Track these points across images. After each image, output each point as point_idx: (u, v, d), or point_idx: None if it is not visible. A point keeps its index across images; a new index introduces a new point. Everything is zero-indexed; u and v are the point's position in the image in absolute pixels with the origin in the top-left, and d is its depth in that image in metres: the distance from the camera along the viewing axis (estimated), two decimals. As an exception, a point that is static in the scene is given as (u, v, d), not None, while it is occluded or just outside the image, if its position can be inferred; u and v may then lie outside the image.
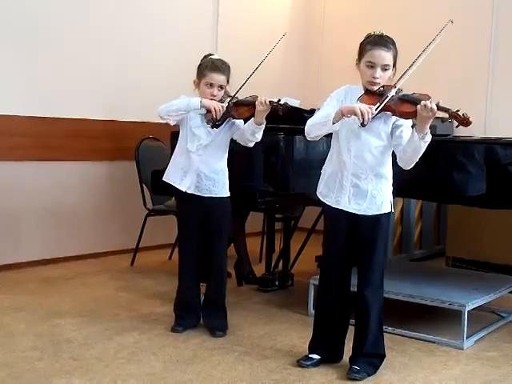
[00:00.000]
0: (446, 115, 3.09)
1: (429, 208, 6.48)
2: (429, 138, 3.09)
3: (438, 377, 3.41)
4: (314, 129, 3.26)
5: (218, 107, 3.72)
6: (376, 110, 3.10)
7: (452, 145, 4.14)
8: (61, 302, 4.46)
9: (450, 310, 4.00)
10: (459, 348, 3.83)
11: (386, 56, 3.20)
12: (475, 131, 5.98)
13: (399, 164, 3.25)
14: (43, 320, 4.06)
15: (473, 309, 3.96)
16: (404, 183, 3.85)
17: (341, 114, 3.14)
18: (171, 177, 3.92)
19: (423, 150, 3.11)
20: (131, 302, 4.52)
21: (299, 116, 4.22)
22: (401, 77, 3.20)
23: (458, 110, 3.01)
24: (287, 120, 3.87)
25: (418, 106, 3.03)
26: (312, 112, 3.50)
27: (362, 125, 3.11)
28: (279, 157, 4.21)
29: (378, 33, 3.26)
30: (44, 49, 5.42)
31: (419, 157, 3.15)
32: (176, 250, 4.38)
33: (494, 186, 3.83)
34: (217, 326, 3.92)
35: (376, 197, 3.28)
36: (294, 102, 4.88)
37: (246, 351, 3.66)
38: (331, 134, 3.34)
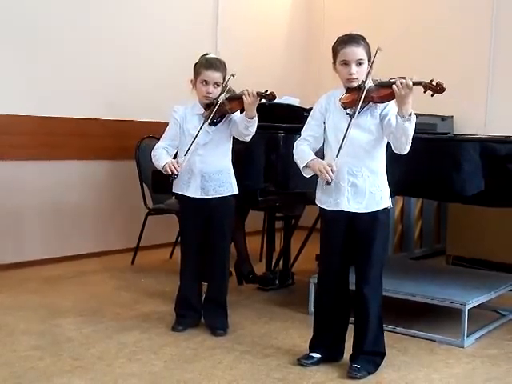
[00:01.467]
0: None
1: (429, 206, 6.48)
2: (414, 117, 3.12)
3: (439, 375, 3.41)
4: (295, 158, 3.40)
5: (174, 166, 3.72)
6: (360, 107, 3.17)
7: (450, 143, 4.14)
8: (62, 301, 4.47)
9: (451, 309, 4.00)
10: (460, 346, 3.83)
11: (357, 51, 3.26)
12: (476, 129, 6.00)
13: (395, 151, 3.26)
14: (44, 319, 4.06)
15: (473, 307, 3.95)
16: (404, 182, 3.86)
17: (310, 169, 3.29)
18: (177, 186, 3.91)
19: (412, 130, 3.13)
20: (132, 301, 4.53)
21: (299, 115, 4.23)
22: (373, 58, 3.24)
23: (431, 80, 3.04)
24: (287, 119, 3.87)
25: (394, 86, 3.08)
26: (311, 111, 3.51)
27: (351, 115, 3.18)
28: (280, 155, 4.21)
29: (346, 33, 3.33)
30: (44, 48, 5.43)
31: (410, 138, 3.16)
32: (176, 248, 4.39)
33: (492, 184, 3.83)
34: (217, 324, 3.92)
35: (374, 193, 3.29)
36: (294, 101, 4.88)
37: (247, 350, 3.66)
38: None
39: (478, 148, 3.86)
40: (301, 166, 3.34)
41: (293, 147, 3.42)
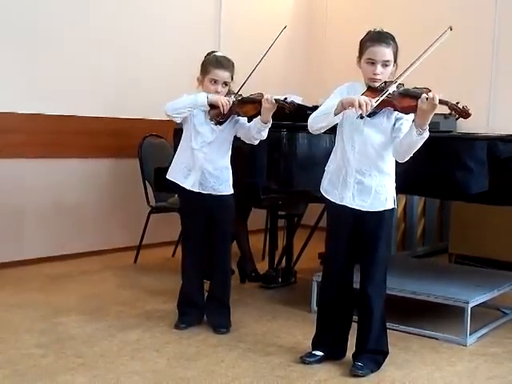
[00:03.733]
0: (446, 109, 3.08)
1: (432, 205, 6.48)
2: (427, 134, 3.08)
3: (442, 373, 3.41)
4: (316, 121, 3.27)
5: (225, 102, 3.71)
6: (376, 102, 3.10)
7: (454, 141, 4.14)
8: (64, 299, 4.47)
9: (453, 307, 4.01)
10: (462, 344, 3.83)
11: (385, 52, 3.20)
12: (478, 128, 5.98)
13: (393, 156, 3.26)
14: (47, 317, 4.06)
15: (476, 305, 3.96)
16: (407, 180, 3.85)
17: (341, 106, 3.15)
18: (175, 175, 3.91)
19: (419, 146, 3.11)
20: (134, 299, 4.53)
21: (302, 113, 4.22)
22: (402, 73, 3.19)
23: (457, 103, 3.02)
24: (290, 117, 3.87)
25: (419, 100, 3.02)
26: (315, 109, 3.50)
27: (361, 116, 3.12)
28: (282, 153, 4.21)
29: (377, 29, 3.27)
30: (45, 47, 5.42)
31: (413, 152, 3.14)
32: (179, 247, 4.39)
33: (496, 182, 3.83)
34: (220, 322, 3.93)
35: (380, 193, 3.29)
36: (297, 99, 4.87)
37: (250, 348, 3.66)
38: (335, 130, 3.34)
39: (484, 147, 3.85)
40: (331, 111, 3.17)
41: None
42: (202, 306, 4.01)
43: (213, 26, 6.72)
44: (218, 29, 6.74)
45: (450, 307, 4.07)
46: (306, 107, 4.41)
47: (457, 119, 3.06)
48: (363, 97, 3.10)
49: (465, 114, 3.00)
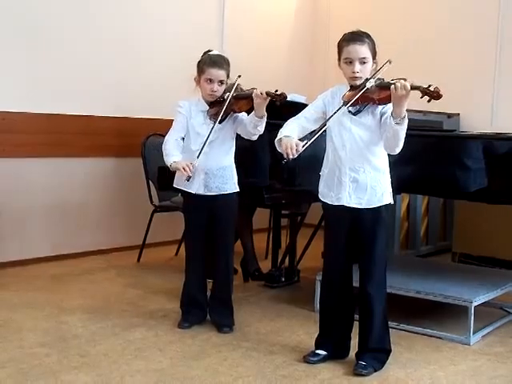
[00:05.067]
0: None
1: (435, 204, 6.47)
2: (405, 121, 3.12)
3: (445, 372, 3.41)
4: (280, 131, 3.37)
5: (187, 167, 3.69)
6: (303, 147, 3.17)
7: (453, 140, 4.14)
8: (68, 298, 4.48)
9: (457, 306, 4.00)
10: (466, 344, 3.83)
11: (361, 49, 3.24)
12: (482, 127, 5.99)
13: (385, 150, 3.28)
14: (51, 316, 4.07)
15: (479, 304, 3.95)
16: (409, 179, 3.86)
17: (279, 144, 3.28)
18: (180, 181, 3.91)
19: (403, 134, 3.14)
20: (138, 299, 4.54)
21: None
22: (377, 71, 3.22)
23: (429, 86, 3.03)
24: (293, 116, 3.87)
25: (392, 87, 3.07)
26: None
27: (354, 113, 3.23)
28: (285, 153, 4.20)
29: (352, 30, 3.32)
30: (46, 47, 5.42)
31: (401, 141, 3.16)
32: (182, 246, 4.39)
33: (497, 181, 3.83)
34: (223, 322, 3.93)
35: (376, 189, 3.30)
36: (300, 98, 4.88)
37: (253, 347, 3.66)
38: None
39: (480, 145, 3.86)
40: (275, 139, 3.32)
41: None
42: (206, 306, 4.01)
43: (216, 25, 6.72)
44: (221, 28, 6.74)
45: (453, 306, 4.07)
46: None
47: (428, 101, 3.06)
48: (290, 143, 3.19)
49: (436, 95, 3.02)
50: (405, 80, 3.08)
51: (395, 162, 3.41)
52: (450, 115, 6.34)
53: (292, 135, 3.28)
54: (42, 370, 3.25)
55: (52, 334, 3.75)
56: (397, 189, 3.43)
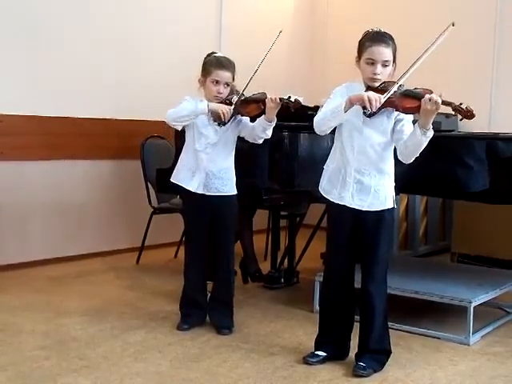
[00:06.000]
0: (449, 109, 3.09)
1: (434, 204, 6.48)
2: (431, 133, 3.09)
3: (445, 373, 3.41)
4: (324, 121, 3.26)
5: (226, 110, 3.71)
6: (384, 98, 3.10)
7: (454, 140, 4.14)
8: (67, 300, 4.47)
9: (456, 306, 4.00)
10: (465, 344, 3.83)
11: (385, 52, 3.20)
12: (480, 127, 5.98)
13: (400, 158, 3.26)
14: (50, 319, 4.07)
15: (479, 304, 3.95)
16: (408, 179, 3.85)
17: (350, 103, 3.14)
18: (179, 177, 3.91)
19: (425, 145, 3.12)
20: (137, 301, 4.53)
21: (303, 113, 4.22)
22: (404, 73, 3.19)
23: (461, 104, 3.02)
24: (292, 117, 3.87)
25: (422, 100, 3.03)
26: (316, 109, 3.50)
27: (368, 115, 3.14)
28: (284, 154, 4.21)
29: (376, 29, 3.27)
30: (48, 47, 5.43)
31: (420, 152, 3.15)
32: (181, 247, 4.39)
33: (497, 181, 3.83)
34: (223, 323, 3.93)
35: (379, 192, 3.29)
36: (299, 99, 4.87)
37: (253, 348, 3.66)
38: (335, 129, 3.35)
39: (483, 146, 3.86)
40: (339, 109, 3.15)
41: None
42: (205, 307, 4.01)
43: (214, 26, 6.72)
44: (219, 29, 6.75)
45: (452, 306, 4.07)
46: (308, 107, 4.41)
47: (461, 119, 3.06)
48: (372, 93, 3.11)
49: (469, 114, 3.01)
50: (430, 92, 3.04)
51: (396, 162, 3.39)
52: (448, 115, 6.32)
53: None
54: (42, 373, 3.24)
55: (51, 337, 3.75)
56: (397, 189, 3.42)
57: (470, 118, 3.02)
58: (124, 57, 5.94)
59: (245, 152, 4.03)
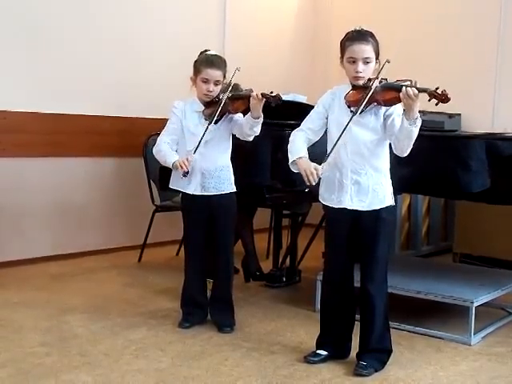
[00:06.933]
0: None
1: (436, 204, 6.47)
2: (419, 122, 3.10)
3: (446, 373, 3.41)
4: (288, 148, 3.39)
5: (182, 163, 3.70)
6: (321, 173, 3.17)
7: (456, 140, 4.14)
8: (69, 298, 4.48)
9: (458, 306, 4.00)
10: (467, 344, 3.83)
11: (365, 49, 3.22)
12: (483, 127, 5.98)
13: (395, 152, 3.27)
14: (51, 316, 4.07)
15: (480, 305, 3.95)
16: (411, 179, 3.85)
17: (297, 166, 3.28)
18: (177, 182, 3.90)
19: (416, 134, 3.13)
20: (139, 298, 4.54)
21: (306, 112, 4.22)
22: (379, 71, 3.20)
23: (437, 88, 3.01)
24: (294, 116, 3.86)
25: (401, 94, 3.05)
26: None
27: (355, 112, 3.17)
28: (286, 153, 4.19)
29: (356, 28, 3.29)
30: (48, 47, 5.43)
31: (413, 140, 3.15)
32: (183, 246, 4.39)
33: (498, 181, 3.82)
34: (224, 322, 3.93)
35: (377, 191, 3.29)
36: (301, 98, 4.88)
37: (254, 347, 3.66)
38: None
39: (483, 146, 3.85)
40: (289, 161, 3.33)
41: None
42: (206, 306, 4.01)
43: (216, 25, 6.72)
44: (221, 28, 6.74)
45: (454, 307, 4.06)
46: (310, 106, 4.40)
47: (436, 104, 3.04)
48: (310, 167, 3.18)
49: (444, 98, 2.99)
50: (410, 82, 3.06)
51: (398, 162, 3.40)
52: (451, 115, 6.32)
53: (304, 154, 3.29)
54: (43, 369, 3.25)
55: (52, 334, 3.75)
56: (398, 189, 3.42)
57: (445, 102, 3.01)
58: (124, 56, 5.94)
59: (246, 150, 4.03)
